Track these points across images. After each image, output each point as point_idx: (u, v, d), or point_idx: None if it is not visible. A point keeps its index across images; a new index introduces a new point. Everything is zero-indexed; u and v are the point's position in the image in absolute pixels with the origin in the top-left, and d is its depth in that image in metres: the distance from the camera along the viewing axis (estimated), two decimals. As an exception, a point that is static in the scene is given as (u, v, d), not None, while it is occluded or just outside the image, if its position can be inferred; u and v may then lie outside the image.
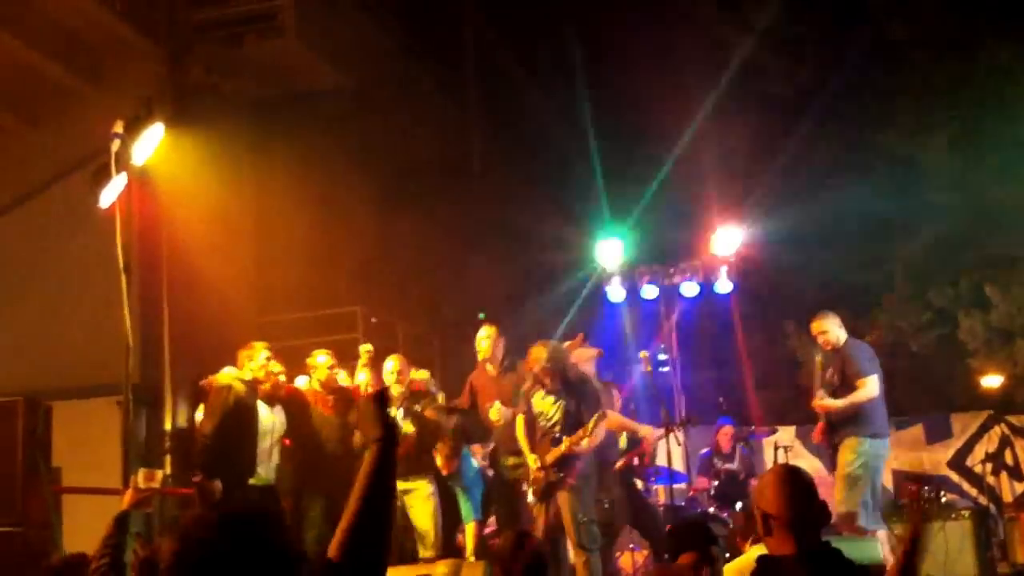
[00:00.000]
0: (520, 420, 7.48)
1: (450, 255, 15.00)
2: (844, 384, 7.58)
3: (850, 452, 7.49)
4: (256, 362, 7.64)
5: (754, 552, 4.55)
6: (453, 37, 15.95)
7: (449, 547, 7.57)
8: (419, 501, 7.63)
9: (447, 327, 14.23)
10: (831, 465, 11.06)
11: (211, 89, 11.94)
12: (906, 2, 12.15)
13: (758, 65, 12.87)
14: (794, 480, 3.51)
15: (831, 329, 7.84)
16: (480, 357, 8.17)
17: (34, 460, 6.01)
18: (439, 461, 7.89)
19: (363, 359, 8.06)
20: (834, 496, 7.34)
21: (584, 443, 7.18)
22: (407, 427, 7.65)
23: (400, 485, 7.60)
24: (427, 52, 14.81)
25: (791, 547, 3.40)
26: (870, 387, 7.58)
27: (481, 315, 14.30)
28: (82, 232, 10.78)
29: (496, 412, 7.83)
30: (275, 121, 12.84)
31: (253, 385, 7.62)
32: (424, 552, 7.55)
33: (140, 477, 5.82)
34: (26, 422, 5.91)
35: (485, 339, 8.11)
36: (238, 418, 7.43)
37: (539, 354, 7.37)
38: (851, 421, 7.55)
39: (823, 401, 7.62)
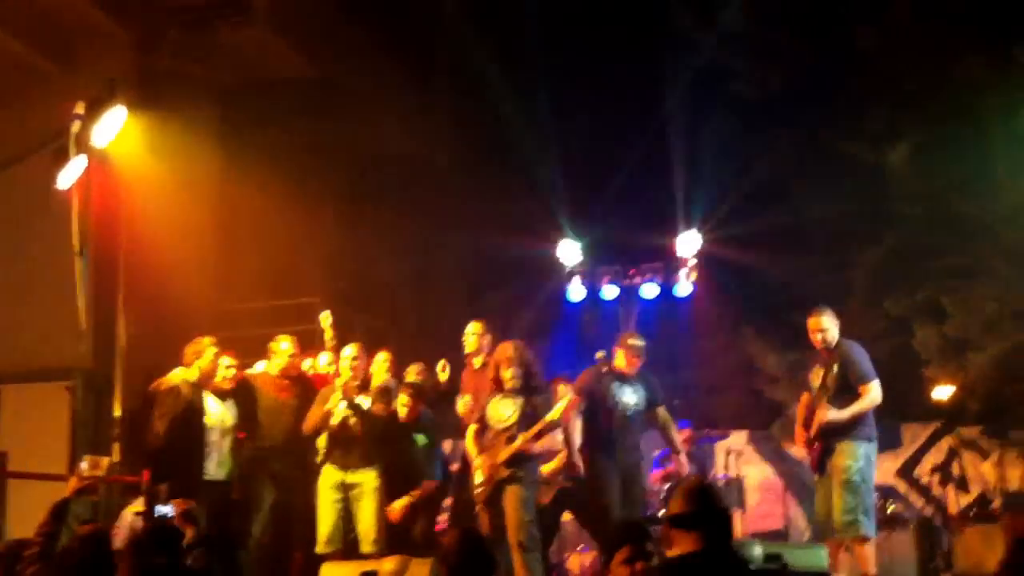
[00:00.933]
0: (471, 430, 7.50)
1: (412, 249, 15.00)
2: (844, 388, 7.32)
3: (848, 457, 7.23)
4: (205, 359, 7.63)
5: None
6: (424, 31, 15.91)
7: (395, 542, 7.54)
8: (364, 495, 7.61)
9: (406, 321, 14.23)
10: (782, 471, 11.28)
11: (180, 74, 11.85)
12: (878, 11, 12.21)
13: (726, 68, 12.92)
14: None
15: (831, 327, 7.51)
16: (467, 351, 8.23)
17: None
18: (401, 411, 7.88)
19: (327, 333, 8.05)
20: (833, 503, 7.21)
21: (539, 442, 7.25)
22: (351, 419, 7.63)
23: (345, 478, 7.60)
24: (397, 45, 14.78)
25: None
26: (875, 393, 7.32)
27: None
28: (41, 214, 10.67)
29: (463, 405, 7.90)
30: (243, 109, 12.81)
31: (200, 384, 7.60)
32: (366, 548, 7.52)
33: (85, 465, 5.83)
34: (-28, 405, 5.85)
35: (472, 335, 8.19)
36: (186, 420, 7.44)
37: (506, 350, 7.40)
38: (848, 426, 7.28)
39: (829, 415, 7.27)
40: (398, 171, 14.48)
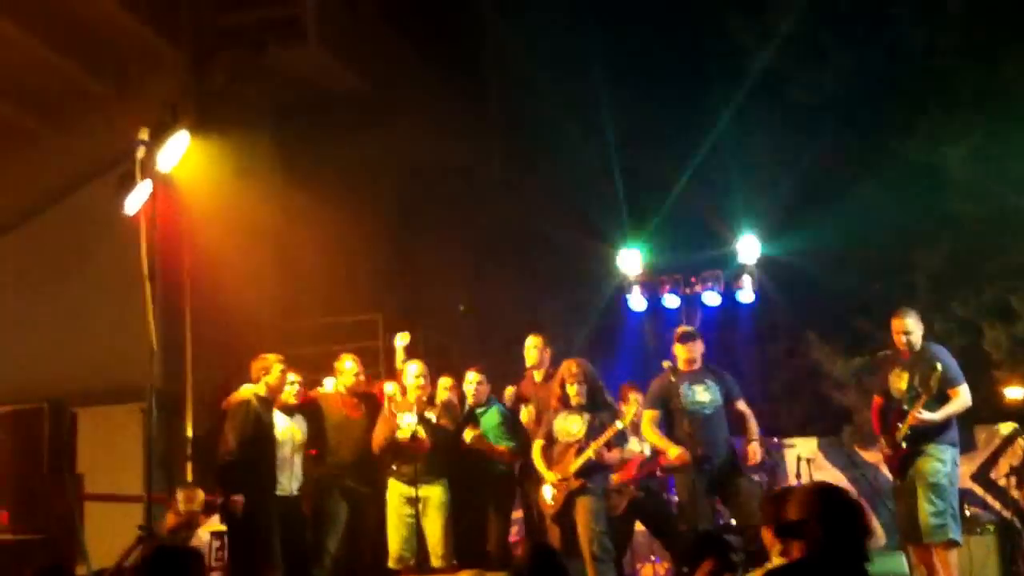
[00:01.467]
0: (538, 445, 7.54)
1: (469, 263, 15.00)
2: (932, 391, 7.24)
3: (936, 461, 7.20)
4: (272, 375, 7.68)
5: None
6: (474, 43, 15.94)
7: (467, 554, 7.55)
8: (432, 510, 7.64)
9: (466, 335, 14.21)
10: (854, 476, 11.12)
11: (233, 95, 11.97)
12: (930, 10, 12.07)
13: (780, 72, 12.81)
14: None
15: (916, 329, 7.47)
16: (528, 364, 8.28)
17: (59, 467, 6.01)
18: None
19: (400, 355, 8.11)
20: (919, 508, 7.12)
21: (610, 452, 7.24)
22: (420, 433, 7.65)
23: (413, 493, 7.63)
24: (448, 58, 14.81)
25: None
26: (965, 396, 7.34)
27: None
28: (105, 237, 10.81)
29: (527, 414, 7.96)
30: (296, 127, 12.88)
31: (268, 399, 7.66)
32: (436, 562, 7.56)
33: (180, 497, 5.85)
34: (51, 428, 5.91)
35: (532, 348, 8.26)
36: (257, 433, 7.50)
37: (570, 367, 7.46)
38: (936, 430, 7.26)
39: (925, 416, 7.22)
40: (452, 184, 14.48)
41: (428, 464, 7.68)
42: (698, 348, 7.78)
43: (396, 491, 7.73)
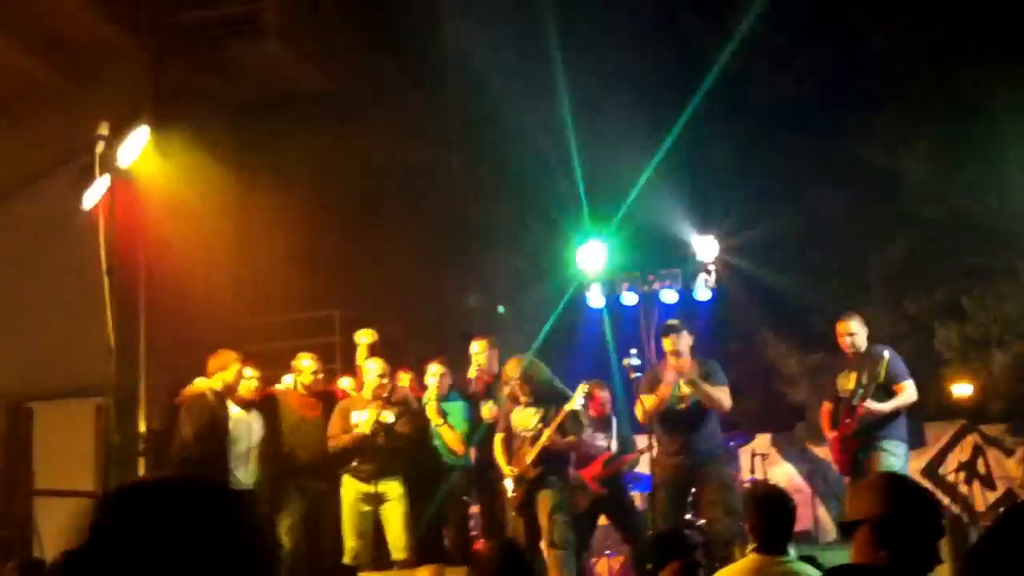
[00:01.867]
0: (499, 439, 7.58)
1: (428, 259, 15.01)
2: (880, 389, 7.45)
3: (891, 456, 7.38)
4: (229, 372, 7.66)
5: (749, 559, 4.60)
6: (433, 40, 15.93)
7: (425, 550, 7.58)
8: (391, 504, 7.66)
9: (422, 332, 14.22)
10: (807, 471, 11.26)
11: (192, 91, 11.89)
12: (887, 13, 12.24)
13: (738, 73, 12.93)
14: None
15: (860, 331, 7.70)
16: (476, 368, 8.32)
17: (14, 463, 5.99)
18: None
19: (362, 351, 8.12)
20: None
21: (565, 439, 7.28)
22: (383, 418, 7.68)
23: (372, 489, 7.64)
24: (408, 56, 14.80)
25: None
26: (911, 391, 7.55)
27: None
28: (61, 233, 10.72)
29: (488, 411, 7.96)
30: (256, 124, 12.82)
31: (223, 394, 7.64)
32: (397, 555, 7.58)
33: None
34: (8, 426, 5.89)
35: (481, 354, 8.27)
36: (211, 427, 7.48)
37: (512, 370, 7.49)
38: (888, 426, 7.45)
39: (872, 406, 7.41)
40: (412, 181, 14.50)
41: (386, 460, 7.70)
42: (682, 341, 7.72)
43: (352, 487, 7.73)
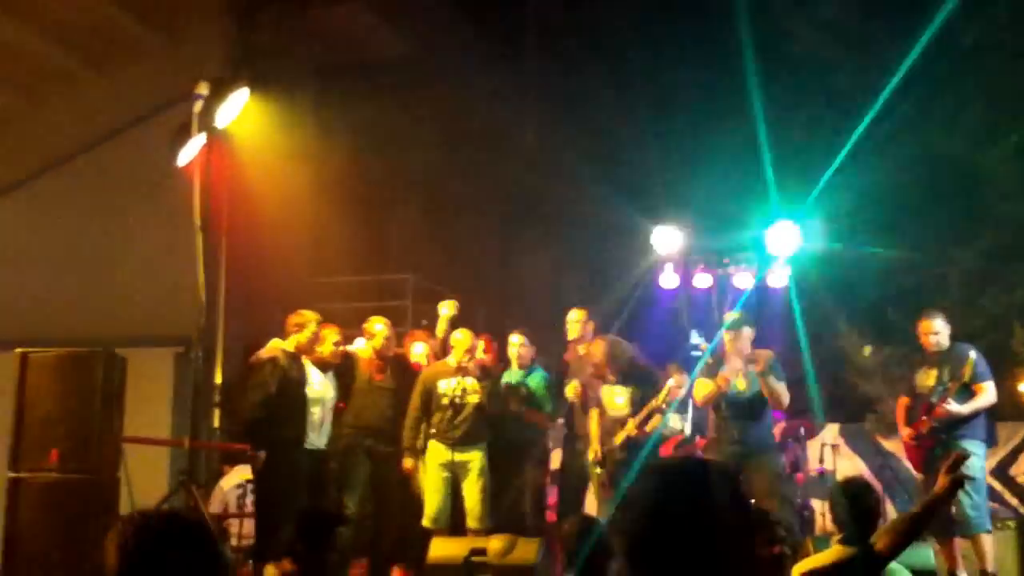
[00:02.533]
0: (595, 413, 7.65)
1: (500, 228, 15.07)
2: (961, 389, 7.43)
3: (972, 456, 7.20)
4: (305, 333, 7.70)
5: (835, 550, 4.61)
6: (516, 8, 15.91)
7: (501, 519, 7.68)
8: (471, 474, 7.75)
9: (493, 300, 14.30)
10: (875, 465, 11.19)
11: (278, 51, 12.00)
12: (979, 7, 12.01)
13: (825, 60, 12.78)
14: None
15: (944, 329, 7.69)
16: (569, 338, 8.42)
17: (109, 411, 6.13)
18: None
19: (442, 324, 8.14)
20: (959, 502, 7.18)
21: (649, 426, 7.35)
22: (473, 398, 7.76)
23: (454, 457, 7.73)
24: (489, 23, 14.79)
25: None
26: (991, 392, 7.54)
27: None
28: (145, 183, 10.94)
29: (572, 390, 8.01)
30: (337, 86, 12.92)
31: (296, 354, 7.67)
32: (472, 523, 7.69)
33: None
34: (104, 373, 6.03)
35: (575, 322, 8.43)
36: (283, 389, 7.52)
37: (597, 349, 7.55)
38: (966, 425, 7.44)
39: (951, 406, 7.37)
40: (487, 149, 14.51)
41: (469, 429, 7.78)
42: (743, 336, 7.75)
43: (437, 453, 7.84)
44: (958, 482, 3.71)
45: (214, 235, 10.99)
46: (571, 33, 14.59)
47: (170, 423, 10.60)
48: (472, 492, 7.75)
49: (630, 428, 7.40)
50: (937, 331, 7.68)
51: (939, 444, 7.43)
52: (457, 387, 7.81)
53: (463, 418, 7.79)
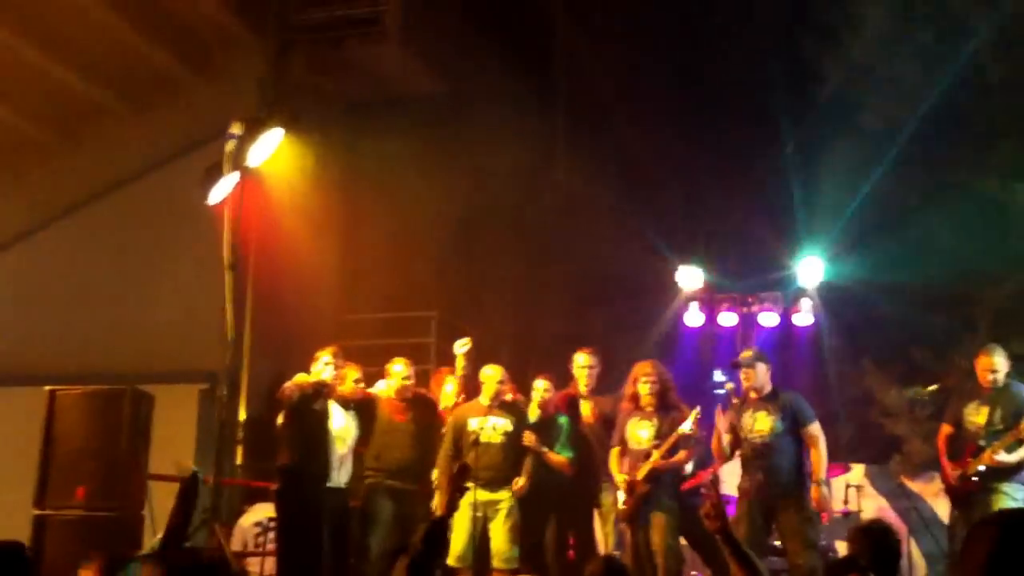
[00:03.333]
0: (615, 452, 7.65)
1: (526, 266, 15.10)
2: (1007, 430, 7.34)
3: (1011, 500, 7.27)
4: (317, 366, 7.70)
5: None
6: (546, 47, 16.02)
7: (525, 561, 7.67)
8: (501, 514, 7.75)
9: (516, 340, 14.32)
10: (900, 506, 11.10)
11: (310, 87, 12.16)
12: (1009, 45, 12.00)
13: (852, 97, 12.79)
14: None
15: (1002, 367, 7.59)
16: (582, 386, 8.38)
17: (136, 448, 6.20)
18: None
19: (460, 361, 8.21)
20: None
21: (675, 457, 7.34)
22: (496, 437, 7.78)
23: (486, 496, 7.74)
24: (520, 61, 14.90)
25: None
26: None
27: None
28: (175, 221, 11.09)
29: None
30: (367, 122, 13.04)
31: (320, 389, 7.65)
32: (499, 564, 7.67)
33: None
34: (131, 411, 6.11)
35: (584, 367, 8.36)
36: (307, 423, 7.52)
37: (644, 369, 7.55)
38: (1014, 471, 7.37)
39: (1001, 456, 7.29)
40: (514, 188, 14.58)
41: (500, 468, 7.80)
42: (757, 374, 7.62)
43: (467, 494, 7.83)
44: None
45: (242, 273, 11.16)
46: (600, 72, 14.64)
47: (194, 459, 10.67)
48: (499, 532, 7.73)
49: (655, 458, 7.38)
50: (996, 368, 7.58)
51: (980, 489, 7.35)
52: (487, 426, 7.83)
53: (492, 457, 7.80)
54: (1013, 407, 7.38)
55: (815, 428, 7.51)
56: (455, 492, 6.66)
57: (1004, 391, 7.52)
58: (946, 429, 7.79)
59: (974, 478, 7.41)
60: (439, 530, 4.91)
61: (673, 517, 7.38)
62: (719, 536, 4.01)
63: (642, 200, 14.18)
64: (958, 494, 7.55)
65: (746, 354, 7.84)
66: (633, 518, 7.41)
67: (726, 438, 7.56)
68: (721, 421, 7.61)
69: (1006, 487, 7.29)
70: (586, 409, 8.28)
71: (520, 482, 7.79)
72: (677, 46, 14.47)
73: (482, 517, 7.75)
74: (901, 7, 12.42)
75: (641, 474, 7.41)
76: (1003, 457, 7.28)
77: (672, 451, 7.46)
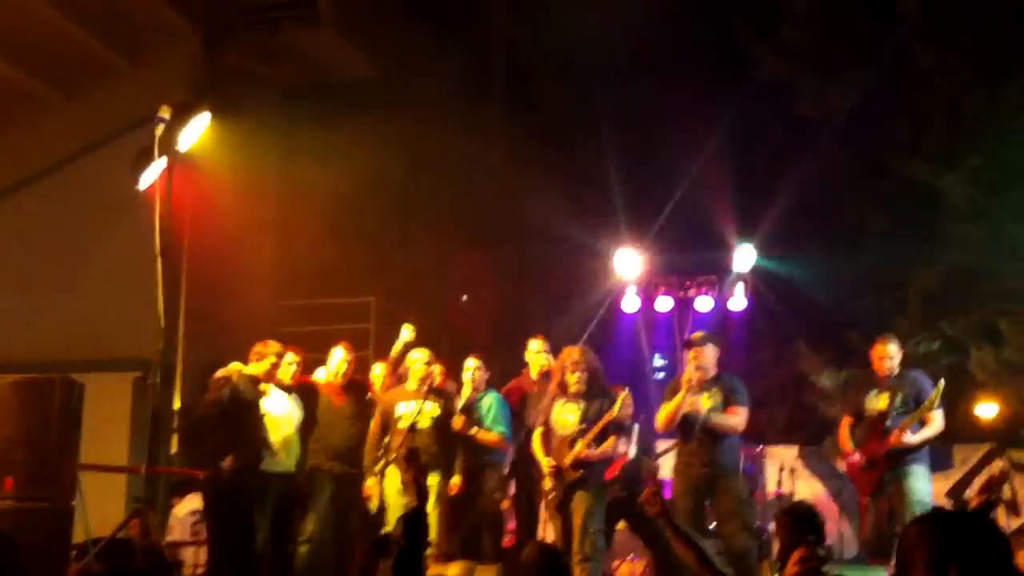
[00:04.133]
0: (537, 433, 7.61)
1: (464, 252, 15.09)
2: (910, 413, 7.49)
3: (921, 479, 7.45)
4: (262, 364, 7.69)
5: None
6: (484, 34, 16.00)
7: (462, 545, 7.69)
8: (430, 499, 7.75)
9: (455, 325, 14.32)
10: (832, 488, 11.30)
11: (245, 73, 12.03)
12: (940, 30, 12.18)
13: (787, 84, 12.93)
14: None
15: (897, 355, 7.77)
16: (535, 371, 8.41)
17: (67, 437, 6.12)
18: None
19: (397, 346, 8.20)
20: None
21: (604, 445, 7.34)
22: (424, 421, 7.80)
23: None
24: (458, 48, 14.87)
25: None
26: (941, 421, 7.57)
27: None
28: (107, 207, 10.91)
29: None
30: (302, 108, 12.94)
31: (256, 379, 7.67)
32: (430, 550, 7.67)
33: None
34: (62, 399, 6.02)
35: (537, 352, 8.41)
36: (236, 410, 7.48)
37: (571, 354, 7.53)
38: (917, 450, 7.52)
39: (906, 439, 7.42)
40: (452, 173, 14.57)
41: (428, 452, 7.79)
42: (706, 354, 7.64)
43: (395, 477, 7.82)
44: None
45: (175, 259, 11.03)
46: (538, 58, 14.68)
47: (127, 449, 10.55)
48: (430, 517, 7.74)
49: (580, 448, 7.34)
50: (892, 355, 7.75)
51: (890, 469, 7.50)
52: (415, 411, 7.81)
53: (420, 441, 7.79)
54: (914, 391, 7.56)
55: (741, 410, 7.59)
56: (417, 478, 6.65)
57: (902, 377, 7.72)
58: (847, 421, 7.96)
59: (883, 459, 7.54)
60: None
61: (597, 501, 7.35)
62: (660, 519, 4.04)
63: (580, 185, 14.25)
64: (869, 480, 7.69)
65: (698, 334, 7.90)
66: (561, 506, 7.39)
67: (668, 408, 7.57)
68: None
69: (913, 467, 7.46)
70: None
71: (454, 482, 7.81)
72: (614, 35, 14.52)
73: (410, 502, 7.76)
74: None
75: (568, 460, 7.37)
76: (910, 438, 7.43)
77: (602, 437, 7.43)
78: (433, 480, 7.80)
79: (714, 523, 7.84)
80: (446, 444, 7.91)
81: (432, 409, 7.90)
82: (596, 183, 13.96)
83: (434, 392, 7.98)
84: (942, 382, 7.45)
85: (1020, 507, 11.28)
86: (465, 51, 15.12)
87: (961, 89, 12.17)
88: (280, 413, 7.80)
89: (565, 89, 14.39)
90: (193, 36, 11.99)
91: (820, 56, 12.62)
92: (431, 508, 7.69)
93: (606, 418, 7.32)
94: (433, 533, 7.64)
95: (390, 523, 7.72)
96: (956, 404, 10.80)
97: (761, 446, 10.66)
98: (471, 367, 8.20)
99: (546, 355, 8.33)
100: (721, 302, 11.25)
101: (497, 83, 16.09)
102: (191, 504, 9.19)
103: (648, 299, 11.33)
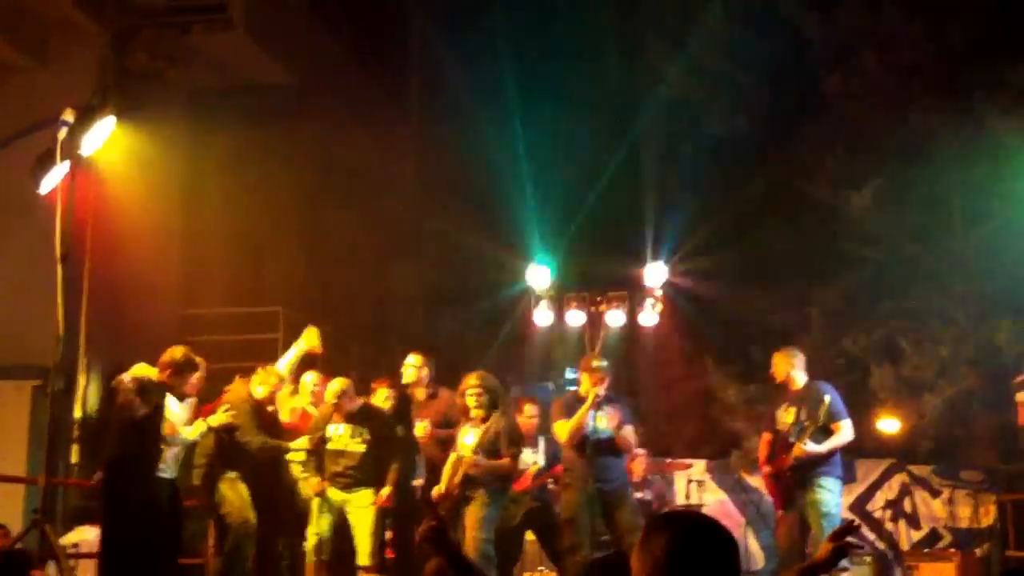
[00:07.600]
0: (452, 457, 7.61)
1: (374, 263, 14.99)
2: (817, 429, 7.57)
3: (827, 492, 7.51)
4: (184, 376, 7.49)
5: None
6: (398, 45, 15.95)
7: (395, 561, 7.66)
8: (359, 510, 7.69)
9: (367, 334, 14.21)
10: (740, 500, 11.46)
11: (153, 75, 11.77)
12: (843, 57, 12.50)
13: (697, 103, 13.13)
14: None
15: (799, 367, 7.90)
16: (404, 381, 8.33)
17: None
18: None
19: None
20: (816, 537, 7.27)
21: (491, 462, 7.36)
22: (356, 445, 7.72)
23: (342, 496, 7.72)
24: (372, 57, 14.80)
25: None
26: (848, 430, 7.67)
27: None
28: (7, 209, 10.58)
29: (422, 429, 8.01)
30: (212, 113, 12.70)
31: (161, 385, 7.33)
32: (363, 560, 7.63)
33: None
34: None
35: (411, 367, 8.30)
36: (151, 415, 7.21)
37: (470, 381, 7.55)
38: (826, 462, 7.59)
39: (808, 448, 7.54)
40: (365, 183, 14.47)
41: (360, 471, 7.77)
42: (599, 377, 7.78)
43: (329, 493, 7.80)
44: (841, 551, 3.66)
45: (76, 265, 10.74)
46: (451, 70, 14.65)
47: (26, 459, 10.23)
48: (362, 529, 7.70)
49: (465, 465, 7.36)
50: (793, 367, 7.89)
51: (798, 481, 7.61)
52: (345, 433, 7.77)
53: (351, 462, 7.76)
54: (815, 402, 7.66)
55: (628, 431, 7.81)
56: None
57: (806, 389, 7.83)
58: (767, 437, 8.09)
59: (788, 470, 7.65)
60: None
61: (488, 510, 7.35)
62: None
63: (494, 197, 14.26)
64: (779, 492, 7.84)
65: (602, 362, 7.95)
66: (452, 522, 7.38)
67: (567, 427, 7.69)
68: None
69: (820, 480, 7.56)
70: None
71: (385, 492, 7.76)
72: (525, 49, 14.60)
73: (340, 516, 7.68)
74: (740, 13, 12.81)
75: (457, 478, 7.40)
76: (810, 447, 7.54)
77: (494, 451, 7.42)
78: (361, 494, 7.74)
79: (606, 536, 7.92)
80: (376, 465, 7.85)
81: (364, 432, 7.82)
82: (511, 197, 13.98)
83: (364, 414, 7.90)
84: (827, 397, 7.56)
85: (920, 521, 11.58)
86: (380, 61, 15.05)
87: (863, 113, 12.50)
88: (174, 419, 7.59)
89: (480, 104, 14.37)
90: (100, 37, 11.70)
91: (727, 75, 12.84)
92: (360, 520, 7.65)
93: (488, 431, 7.36)
94: (365, 546, 7.61)
95: (311, 531, 7.67)
96: (859, 420, 11.01)
97: (669, 459, 10.77)
98: (412, 364, 8.16)
99: (417, 370, 8.28)
100: (631, 317, 11.32)
101: (412, 93, 16.05)
102: (78, 536, 8.91)
103: (560, 313, 11.35)
